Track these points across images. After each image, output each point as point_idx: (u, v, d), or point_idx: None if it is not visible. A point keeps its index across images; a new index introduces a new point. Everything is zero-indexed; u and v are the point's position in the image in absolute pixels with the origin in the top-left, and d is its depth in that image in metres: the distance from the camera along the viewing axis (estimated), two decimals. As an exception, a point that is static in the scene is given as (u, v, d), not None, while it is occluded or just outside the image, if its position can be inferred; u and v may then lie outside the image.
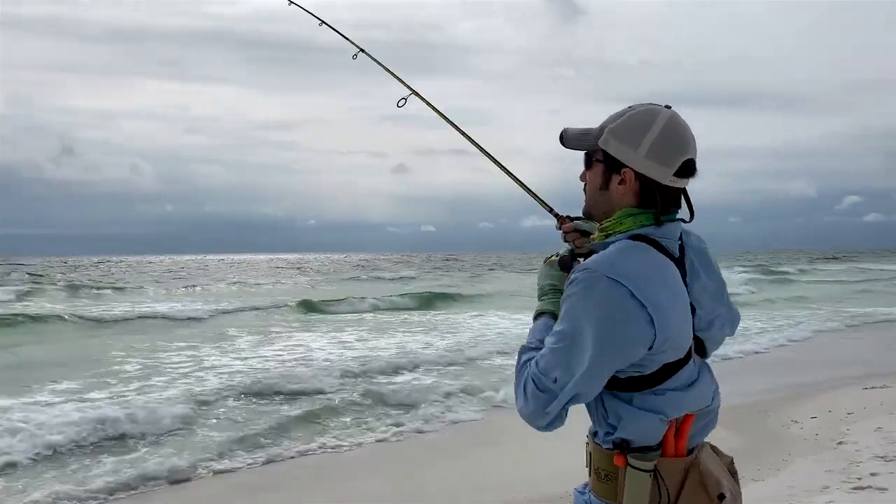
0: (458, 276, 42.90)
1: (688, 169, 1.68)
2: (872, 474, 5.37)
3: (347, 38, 2.89)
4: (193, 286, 36.24)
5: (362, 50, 2.81)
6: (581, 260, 1.85)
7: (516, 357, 1.78)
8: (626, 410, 1.65)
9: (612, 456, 1.67)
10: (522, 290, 26.93)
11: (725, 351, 12.56)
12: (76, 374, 10.85)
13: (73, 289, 31.78)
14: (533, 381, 1.65)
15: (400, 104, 2.58)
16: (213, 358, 12.61)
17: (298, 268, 70.00)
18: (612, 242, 1.69)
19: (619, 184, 1.71)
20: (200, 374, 10.94)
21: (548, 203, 2.12)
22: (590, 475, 1.76)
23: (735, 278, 38.70)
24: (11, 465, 6.38)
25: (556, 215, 2.05)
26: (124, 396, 9.11)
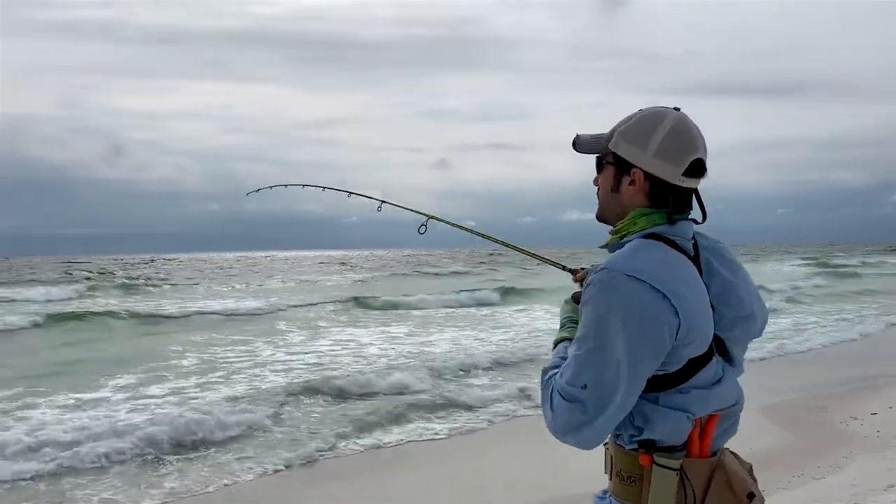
0: (509, 271, 42.72)
1: (697, 168, 1.69)
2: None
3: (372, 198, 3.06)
4: (251, 283, 37.45)
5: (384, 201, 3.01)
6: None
7: (540, 378, 1.74)
8: (653, 410, 1.63)
9: (636, 457, 1.65)
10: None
11: (786, 346, 12.46)
12: (171, 370, 11.28)
13: (131, 287, 32.92)
14: (559, 393, 1.61)
15: (421, 231, 2.70)
16: (292, 353, 12.98)
17: (342, 263, 70.59)
18: (627, 242, 1.70)
19: (630, 185, 1.72)
20: (278, 368, 11.30)
21: (560, 262, 2.27)
22: (610, 479, 1.74)
23: (796, 272, 37.63)
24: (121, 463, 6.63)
25: (570, 270, 2.14)
26: (229, 391, 9.47)
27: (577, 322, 1.82)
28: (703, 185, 1.77)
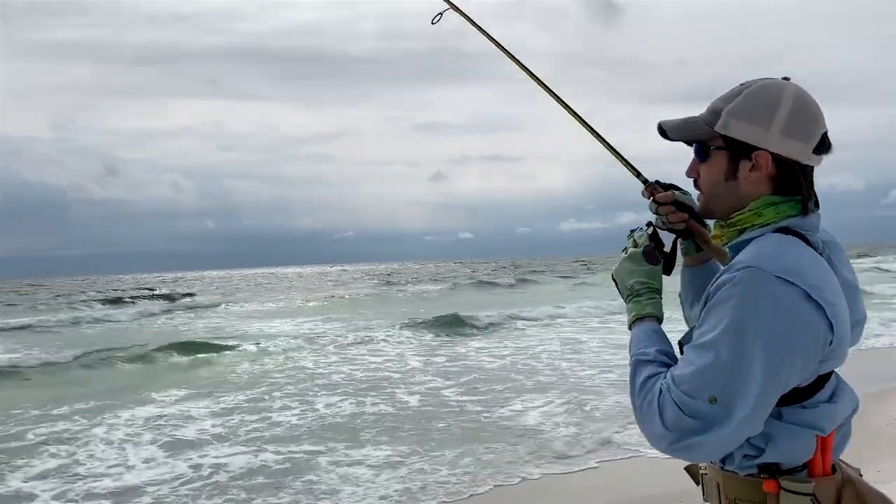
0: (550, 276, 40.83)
1: (825, 143, 1.52)
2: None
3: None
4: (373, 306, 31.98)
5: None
6: (658, 248, 1.70)
7: (631, 371, 1.55)
8: (776, 428, 1.45)
9: (757, 483, 1.47)
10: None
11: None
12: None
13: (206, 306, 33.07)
14: (677, 405, 1.41)
15: (435, 20, 2.31)
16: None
17: (389, 275, 69.97)
18: (753, 239, 1.50)
19: (752, 170, 1.52)
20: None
21: (634, 166, 1.86)
22: None
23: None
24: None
25: (645, 181, 1.81)
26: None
27: (656, 290, 1.65)
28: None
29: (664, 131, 1.62)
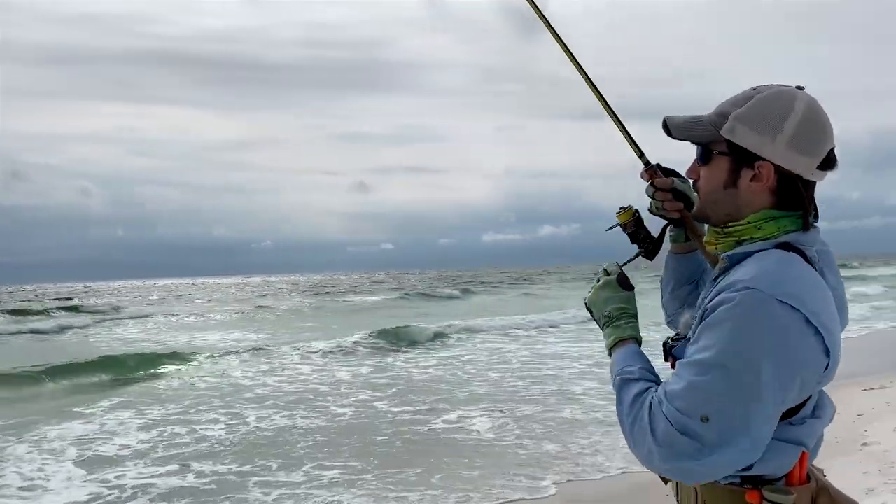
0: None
1: (831, 160, 1.47)
2: (913, 474, 5.40)
3: None
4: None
5: None
6: (629, 232, 1.73)
7: (617, 390, 1.51)
8: (768, 445, 1.43)
9: (737, 493, 1.46)
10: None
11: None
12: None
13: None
14: (668, 421, 1.37)
15: None
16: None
17: (275, 288, 68.50)
18: (753, 253, 1.46)
19: (753, 180, 1.47)
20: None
21: (639, 146, 1.79)
22: None
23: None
24: None
25: (647, 163, 1.76)
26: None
27: (633, 315, 1.64)
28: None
29: (668, 128, 1.56)
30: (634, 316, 1.65)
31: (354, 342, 17.52)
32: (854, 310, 17.35)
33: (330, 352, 16.48)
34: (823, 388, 1.55)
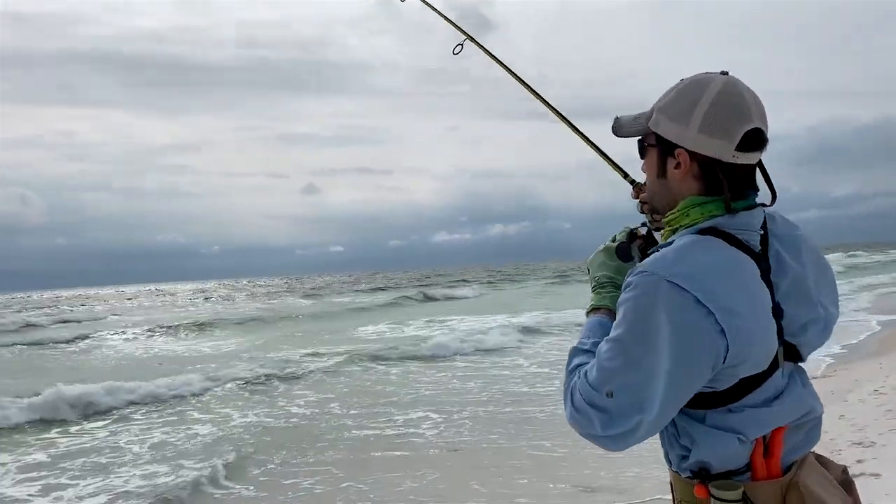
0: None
1: (753, 140, 1.45)
2: (859, 461, 5.38)
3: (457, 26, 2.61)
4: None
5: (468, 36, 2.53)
6: (640, 246, 1.73)
7: (567, 357, 1.58)
8: (698, 430, 1.47)
9: (692, 486, 1.48)
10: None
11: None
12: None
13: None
14: (580, 393, 1.46)
15: (456, 51, 2.41)
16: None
17: (290, 290, 66.09)
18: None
19: (676, 168, 1.51)
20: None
21: (621, 167, 1.93)
22: None
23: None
24: None
25: (632, 181, 1.85)
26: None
27: (618, 286, 1.62)
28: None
29: (615, 128, 1.63)
30: (619, 286, 1.63)
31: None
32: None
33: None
34: (802, 383, 1.54)
